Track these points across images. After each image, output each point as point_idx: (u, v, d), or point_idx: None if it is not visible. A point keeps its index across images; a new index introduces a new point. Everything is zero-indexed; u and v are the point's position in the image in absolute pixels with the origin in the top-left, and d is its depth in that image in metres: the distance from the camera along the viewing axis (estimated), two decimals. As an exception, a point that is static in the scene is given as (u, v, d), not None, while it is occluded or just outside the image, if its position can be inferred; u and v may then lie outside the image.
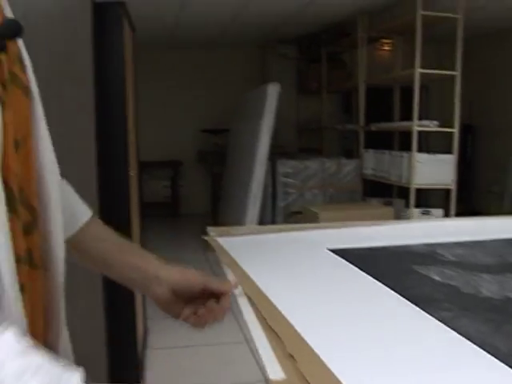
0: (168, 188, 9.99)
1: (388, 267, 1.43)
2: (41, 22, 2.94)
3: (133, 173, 3.94)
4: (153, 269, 1.16)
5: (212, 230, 1.92)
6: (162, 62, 9.80)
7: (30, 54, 1.16)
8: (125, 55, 3.63)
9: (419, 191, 5.94)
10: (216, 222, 8.45)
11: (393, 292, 1.21)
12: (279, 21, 7.81)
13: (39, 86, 1.04)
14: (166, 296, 1.15)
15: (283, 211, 6.55)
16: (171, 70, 9.85)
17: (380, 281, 1.28)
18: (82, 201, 1.20)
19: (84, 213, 1.19)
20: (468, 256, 1.51)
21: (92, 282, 3.41)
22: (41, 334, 0.96)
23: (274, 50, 9.37)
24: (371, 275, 1.33)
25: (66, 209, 1.07)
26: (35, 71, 1.10)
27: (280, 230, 1.96)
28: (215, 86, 9.83)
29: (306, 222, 5.63)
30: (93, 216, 1.21)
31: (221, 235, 1.86)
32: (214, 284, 1.15)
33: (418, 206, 6.02)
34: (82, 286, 3.32)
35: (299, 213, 6.10)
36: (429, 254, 1.54)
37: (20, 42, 1.01)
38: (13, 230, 0.83)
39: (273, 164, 6.60)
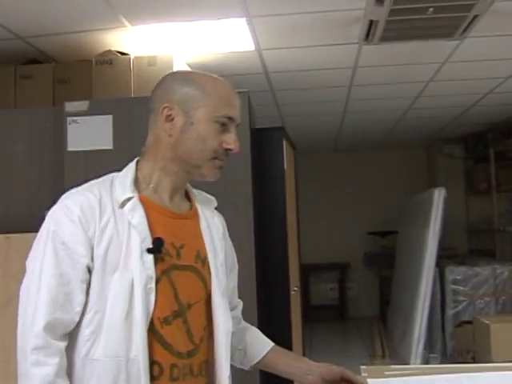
0: (335, 290, 9.94)
1: None
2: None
3: (294, 290, 3.98)
4: (306, 365, 1.83)
5: (365, 370, 1.91)
6: (326, 165, 9.98)
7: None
8: (285, 173, 3.74)
9: None
10: (384, 327, 8.28)
11: None
12: (443, 122, 7.76)
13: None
14: (318, 382, 1.78)
15: (453, 320, 6.29)
16: (336, 173, 9.98)
17: None
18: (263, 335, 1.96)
19: (268, 343, 1.92)
20: None
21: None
22: None
23: (439, 149, 9.26)
24: None
25: (255, 340, 1.92)
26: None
27: (436, 372, 1.90)
28: (380, 186, 9.81)
29: (476, 334, 5.38)
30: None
31: (373, 376, 1.85)
32: (350, 374, 1.75)
33: None
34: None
35: (469, 322, 5.83)
36: None
37: (207, 246, 1.76)
38: None
39: (441, 270, 6.40)
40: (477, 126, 8.14)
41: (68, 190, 3.18)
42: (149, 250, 1.59)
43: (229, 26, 3.90)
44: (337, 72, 5.14)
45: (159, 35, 4.00)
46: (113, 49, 4.02)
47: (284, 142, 3.73)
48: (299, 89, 5.70)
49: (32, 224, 3.27)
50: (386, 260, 8.95)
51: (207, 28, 3.91)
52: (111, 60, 3.83)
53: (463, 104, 6.66)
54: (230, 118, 1.67)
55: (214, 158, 1.67)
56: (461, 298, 6.30)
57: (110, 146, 3.20)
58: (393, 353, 6.77)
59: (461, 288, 6.31)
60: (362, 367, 1.90)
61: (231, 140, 1.67)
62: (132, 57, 3.83)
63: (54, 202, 3.45)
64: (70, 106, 3.25)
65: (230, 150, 1.68)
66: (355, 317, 9.70)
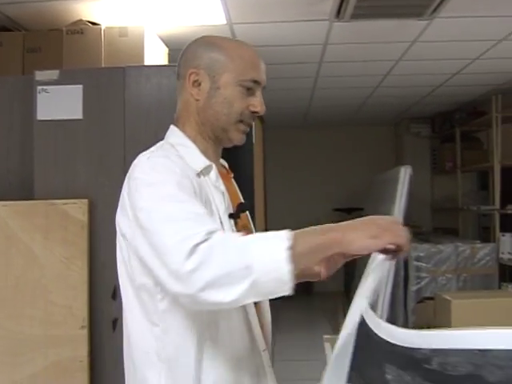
0: (301, 266, 10.00)
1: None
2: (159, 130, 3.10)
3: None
4: None
5: (327, 340, 1.95)
6: (294, 141, 10.02)
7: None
8: (253, 147, 3.77)
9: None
10: (348, 302, 8.38)
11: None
12: (411, 101, 7.84)
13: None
14: None
15: (415, 296, 6.40)
16: (304, 149, 10.02)
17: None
18: None
19: None
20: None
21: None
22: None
23: (407, 128, 9.35)
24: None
25: None
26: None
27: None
28: (348, 164, 9.88)
29: (437, 309, 5.49)
30: None
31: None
32: None
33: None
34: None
35: (431, 298, 5.95)
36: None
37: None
38: None
39: (404, 247, 6.50)
40: (444, 106, 8.25)
41: (38, 159, 3.18)
42: (231, 215, 1.66)
43: (201, -2, 3.90)
44: (307, 48, 5.17)
45: (131, 6, 3.98)
46: (84, 19, 3.99)
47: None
48: (269, 64, 5.71)
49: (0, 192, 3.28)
50: (352, 236, 9.03)
51: (179, 0, 3.91)
52: (82, 30, 3.80)
53: (431, 84, 6.74)
54: (255, 82, 1.71)
55: (240, 122, 1.70)
56: (423, 275, 6.41)
57: (79, 116, 3.20)
58: (356, 327, 6.88)
59: (423, 265, 6.42)
60: (325, 337, 1.95)
61: (257, 103, 1.71)
62: (103, 27, 3.81)
63: (23, 171, 3.42)
64: (41, 75, 3.23)
65: (256, 112, 1.71)
66: (320, 292, 9.81)
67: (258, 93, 1.72)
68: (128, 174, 1.63)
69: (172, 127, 1.79)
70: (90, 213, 3.07)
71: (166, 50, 4.27)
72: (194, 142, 1.73)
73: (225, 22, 4.35)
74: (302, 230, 1.44)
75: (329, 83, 6.62)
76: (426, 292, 6.35)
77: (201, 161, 1.69)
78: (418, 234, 7.86)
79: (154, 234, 1.45)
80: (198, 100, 1.71)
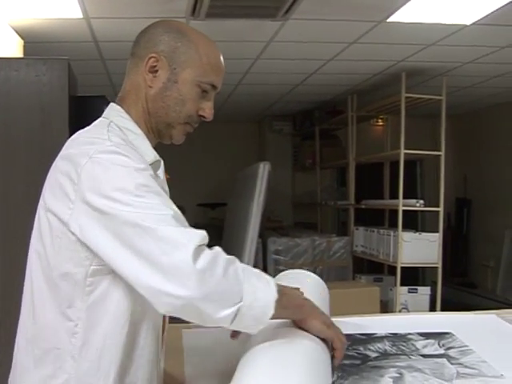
0: (166, 261, 10.00)
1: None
2: (21, 116, 3.06)
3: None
4: None
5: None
6: (159, 137, 9.94)
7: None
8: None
9: (414, 267, 6.04)
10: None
11: None
12: (272, 99, 8.02)
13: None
14: None
15: (274, 289, 6.58)
16: (167, 144, 10.00)
17: None
18: None
19: None
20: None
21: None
22: None
23: (269, 125, 9.54)
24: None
25: None
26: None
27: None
28: (212, 160, 9.95)
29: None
30: None
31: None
32: None
33: (414, 281, 6.12)
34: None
35: (288, 290, 6.13)
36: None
37: None
38: None
39: (264, 241, 6.67)
40: (304, 104, 8.48)
41: None
42: None
43: (55, -9, 3.85)
44: (166, 45, 5.19)
45: (-19, -4, 3.88)
46: None
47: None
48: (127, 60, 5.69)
49: None
50: (215, 231, 9.10)
51: (33, -8, 3.85)
52: None
53: (290, 82, 6.93)
54: (213, 86, 1.63)
55: (187, 123, 1.64)
56: (282, 268, 6.58)
57: None
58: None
59: (282, 258, 6.61)
60: (184, 330, 1.98)
61: (208, 108, 1.63)
62: (-49, 17, 3.71)
63: None
64: None
65: (203, 117, 1.64)
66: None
67: (212, 98, 1.65)
68: (73, 152, 1.48)
69: (116, 106, 1.64)
70: None
71: (20, 42, 4.19)
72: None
73: (81, 15, 4.32)
74: (285, 286, 1.44)
75: (190, 80, 6.65)
76: (285, 285, 6.53)
77: (151, 153, 1.61)
78: (280, 228, 8.07)
79: (138, 227, 1.33)
80: (150, 87, 1.60)
